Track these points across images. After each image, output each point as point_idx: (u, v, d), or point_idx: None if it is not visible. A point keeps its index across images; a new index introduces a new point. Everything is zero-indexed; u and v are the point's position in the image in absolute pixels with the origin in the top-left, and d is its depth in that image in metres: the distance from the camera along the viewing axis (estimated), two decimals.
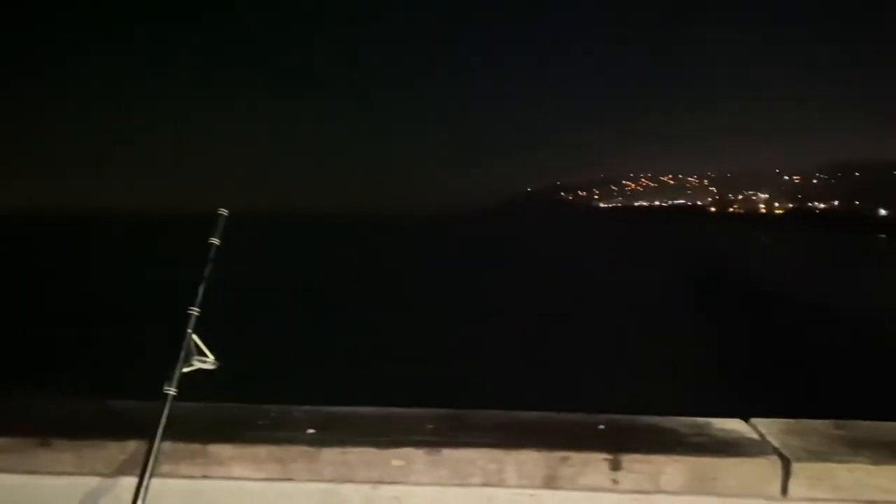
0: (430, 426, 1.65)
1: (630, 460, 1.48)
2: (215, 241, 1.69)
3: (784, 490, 1.43)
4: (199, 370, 1.72)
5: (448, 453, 1.54)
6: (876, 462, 1.42)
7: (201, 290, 1.67)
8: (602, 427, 1.61)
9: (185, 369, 1.70)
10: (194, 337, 1.68)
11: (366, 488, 1.57)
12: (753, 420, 1.63)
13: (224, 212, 1.73)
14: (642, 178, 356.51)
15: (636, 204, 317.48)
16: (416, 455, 1.55)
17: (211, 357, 1.73)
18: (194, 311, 1.66)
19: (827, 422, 1.61)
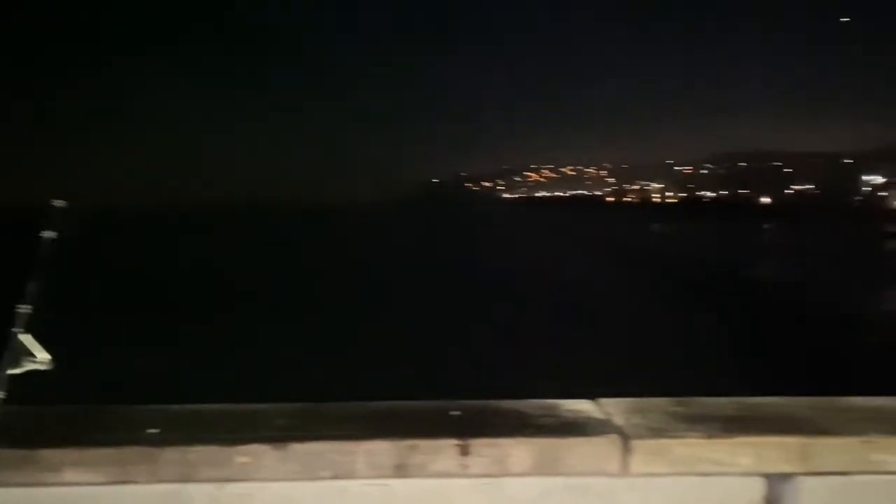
0: (279, 421, 1.61)
1: (479, 445, 1.49)
2: (50, 234, 1.59)
3: (624, 466, 1.47)
4: (33, 371, 1.62)
5: (296, 447, 1.51)
6: (709, 436, 1.49)
7: (33, 286, 1.58)
8: (454, 413, 1.62)
9: (14, 371, 1.59)
10: (23, 336, 1.57)
11: (210, 487, 1.51)
12: (602, 400, 1.68)
13: (61, 203, 1.63)
14: (544, 169, 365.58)
15: (539, 194, 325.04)
16: (264, 451, 1.50)
17: (44, 356, 1.63)
18: (24, 308, 1.56)
19: (669, 399, 1.68)
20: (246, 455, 1.50)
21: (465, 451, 1.48)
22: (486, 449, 1.49)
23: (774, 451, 1.46)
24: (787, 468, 1.47)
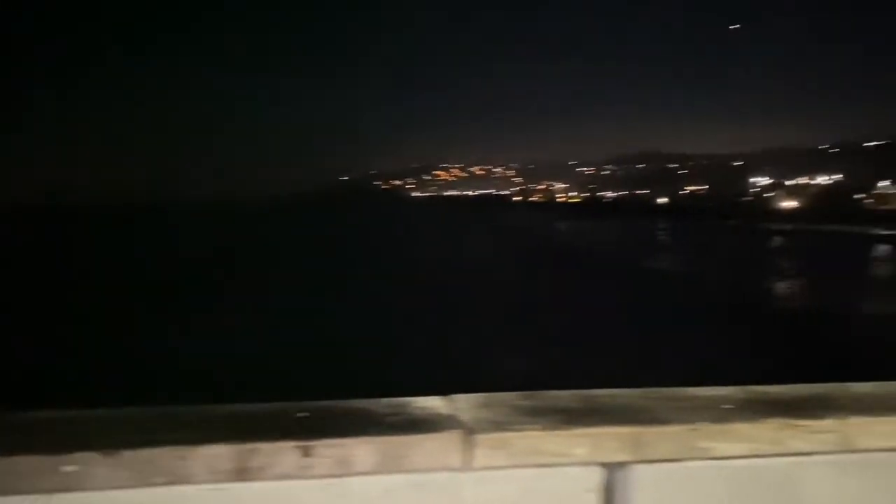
0: (111, 427, 1.53)
1: (322, 445, 1.47)
2: None
3: (467, 461, 1.49)
4: None
5: (129, 454, 1.44)
6: (547, 428, 1.52)
7: None
8: (300, 415, 1.59)
9: None
10: None
11: (33, 499, 1.42)
12: (454, 396, 1.69)
13: None
14: (453, 168, 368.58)
15: (448, 193, 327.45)
16: (93, 458, 1.43)
17: None
18: None
19: (518, 393, 1.71)
20: (73, 464, 1.42)
21: (307, 453, 1.46)
22: (329, 449, 1.47)
23: (610, 441, 1.51)
24: (622, 457, 1.52)
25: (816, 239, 70.21)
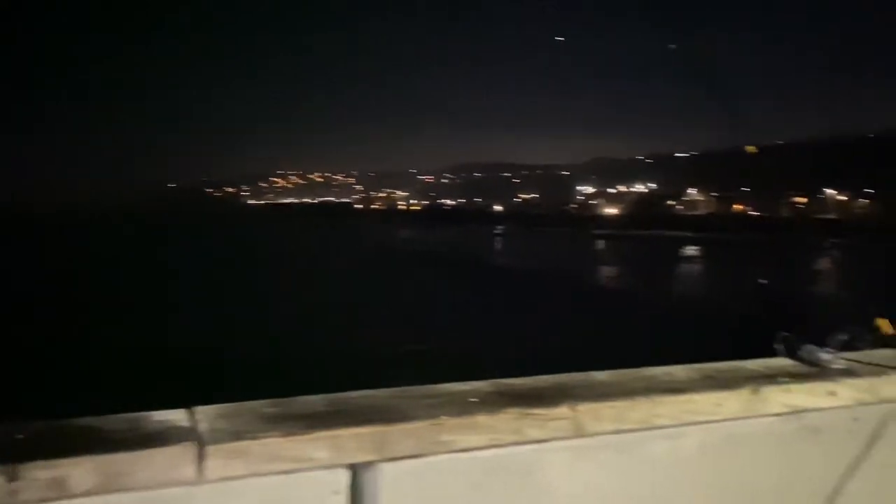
0: None
1: (32, 468, 1.34)
2: None
3: (200, 473, 1.42)
4: None
5: None
6: (287, 434, 1.49)
7: None
8: (17, 437, 1.45)
9: None
10: None
11: None
12: (197, 408, 1.61)
13: None
14: (291, 175, 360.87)
15: (286, 201, 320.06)
16: None
17: None
18: None
19: (265, 401, 1.66)
20: None
21: (13, 477, 1.32)
22: (40, 472, 1.34)
23: (353, 442, 1.50)
24: (367, 457, 1.51)
25: (634, 241, 76.07)
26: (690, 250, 65.14)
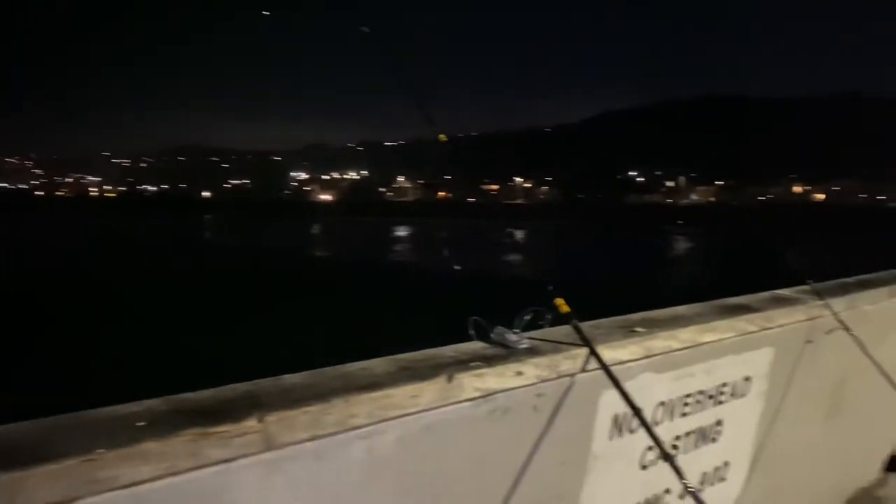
0: None
1: None
2: None
3: None
4: None
5: None
6: None
7: None
8: None
9: None
10: None
11: None
12: None
13: None
14: None
15: None
16: None
17: None
18: None
19: None
20: None
21: None
22: None
23: None
24: None
25: (351, 227, 77.48)
26: (399, 235, 68.17)
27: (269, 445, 1.50)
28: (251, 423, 1.48)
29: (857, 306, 3.45)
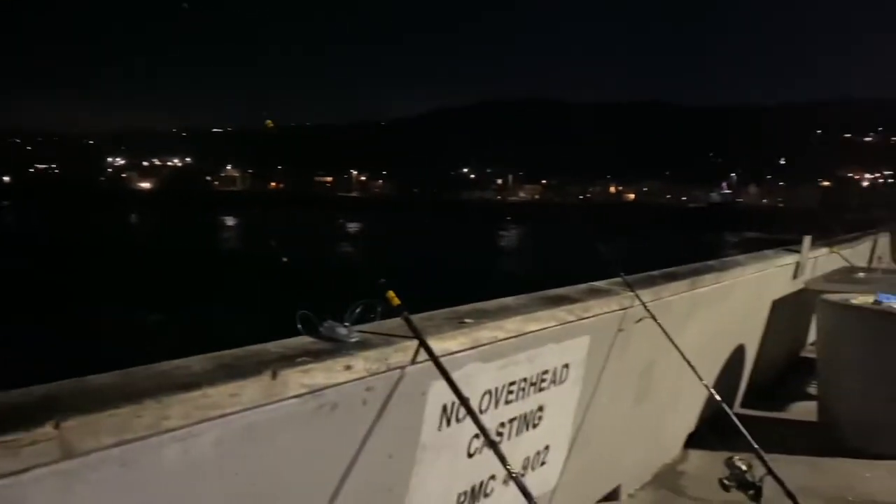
0: None
1: None
2: None
3: None
4: None
5: None
6: None
7: None
8: None
9: None
10: None
11: None
12: None
13: None
14: None
15: None
16: None
17: None
18: None
19: None
20: None
21: None
22: None
23: None
24: None
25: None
26: (226, 224, 65.26)
27: (69, 453, 1.36)
28: (46, 429, 1.34)
29: (662, 297, 3.76)
